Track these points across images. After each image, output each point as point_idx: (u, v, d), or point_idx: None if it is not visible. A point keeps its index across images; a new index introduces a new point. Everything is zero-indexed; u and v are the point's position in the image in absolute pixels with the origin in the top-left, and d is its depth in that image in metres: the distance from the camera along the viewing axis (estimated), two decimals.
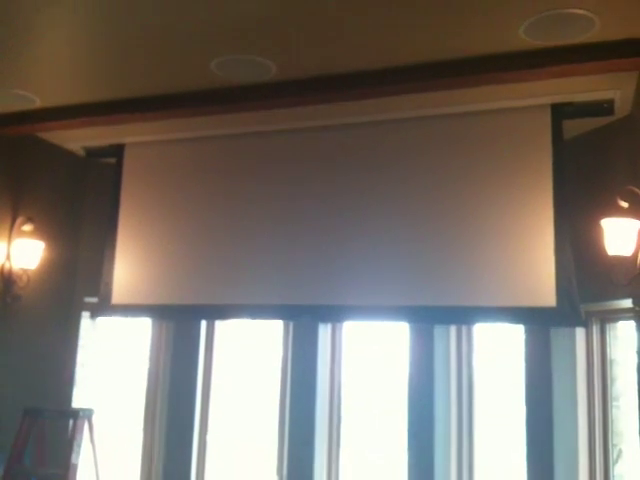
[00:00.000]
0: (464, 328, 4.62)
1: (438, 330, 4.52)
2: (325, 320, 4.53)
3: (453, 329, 4.59)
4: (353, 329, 4.92)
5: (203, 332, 5.02)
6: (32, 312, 4.61)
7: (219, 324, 5.13)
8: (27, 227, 4.47)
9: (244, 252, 4.51)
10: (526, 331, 4.21)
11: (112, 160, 4.86)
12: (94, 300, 4.97)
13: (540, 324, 3.99)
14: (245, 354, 5.20)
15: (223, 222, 4.55)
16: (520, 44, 3.26)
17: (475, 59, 3.41)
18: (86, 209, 5.03)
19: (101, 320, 5.13)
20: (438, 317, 4.20)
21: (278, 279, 4.43)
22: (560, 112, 3.88)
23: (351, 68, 3.55)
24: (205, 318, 4.87)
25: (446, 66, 3.45)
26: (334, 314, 4.42)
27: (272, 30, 3.21)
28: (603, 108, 3.79)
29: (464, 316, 4.09)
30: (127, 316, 4.94)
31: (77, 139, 4.69)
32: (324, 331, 4.83)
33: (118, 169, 4.76)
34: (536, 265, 3.86)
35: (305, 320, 4.46)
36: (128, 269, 4.75)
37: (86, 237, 4.99)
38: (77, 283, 4.95)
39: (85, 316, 5.01)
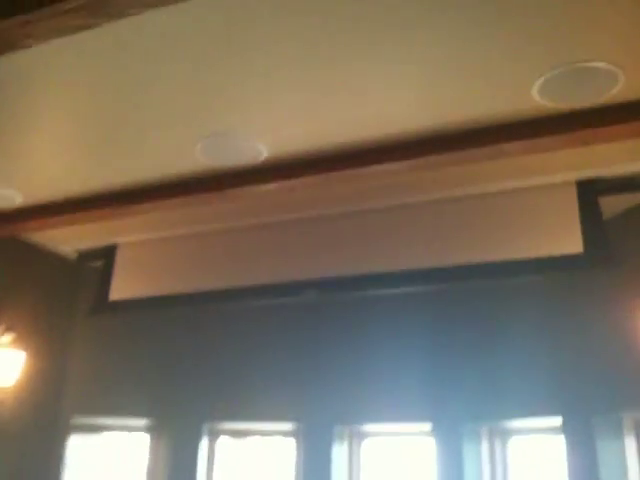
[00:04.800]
0: (497, 441, 4.09)
1: (468, 445, 4.00)
2: (334, 291, 4.01)
3: (485, 443, 4.08)
4: (373, 445, 4.41)
5: (205, 448, 4.52)
6: (10, 434, 4.14)
7: (221, 440, 4.65)
8: (6, 338, 4.09)
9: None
10: (567, 441, 3.63)
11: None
12: (84, 421, 4.53)
13: (568, 271, 3.56)
14: (251, 474, 4.66)
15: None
16: (533, 108, 2.86)
17: (480, 129, 3.01)
18: (76, 317, 4.66)
19: (92, 439, 4.67)
20: (461, 276, 3.70)
21: (279, 257, 4.08)
22: (588, 189, 3.46)
23: (349, 143, 3.19)
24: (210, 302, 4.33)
25: (448, 138, 3.06)
26: (342, 286, 3.94)
27: (262, 108, 2.91)
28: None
29: (486, 272, 3.64)
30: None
31: (65, 241, 4.41)
32: (340, 448, 4.31)
33: (107, 271, 4.41)
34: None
35: (309, 297, 3.95)
36: None
37: (76, 348, 4.59)
38: (64, 400, 4.50)
39: (74, 439, 4.54)
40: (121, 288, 4.36)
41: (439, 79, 2.71)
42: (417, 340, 4.11)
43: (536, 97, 2.79)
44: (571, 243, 3.41)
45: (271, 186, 3.38)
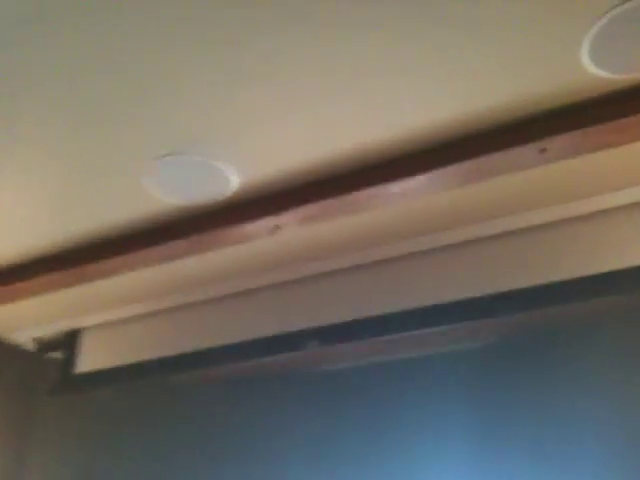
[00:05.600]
0: None
1: None
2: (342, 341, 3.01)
3: None
4: None
5: None
6: None
7: None
8: None
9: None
10: None
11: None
12: None
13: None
14: None
15: None
16: (584, 83, 2.11)
17: (508, 123, 2.25)
18: (37, 416, 3.83)
19: None
20: (516, 305, 2.71)
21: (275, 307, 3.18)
22: None
23: (345, 159, 2.41)
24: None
25: (468, 140, 2.30)
26: (352, 331, 2.96)
27: (227, 118, 2.19)
28: None
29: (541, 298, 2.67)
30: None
31: (22, 325, 3.61)
32: None
33: (70, 360, 3.60)
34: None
35: (312, 349, 3.01)
36: None
37: (35, 455, 3.74)
38: None
39: None
40: (90, 359, 3.57)
41: (454, 58, 1.98)
42: (457, 427, 3.17)
43: (587, 64, 2.03)
44: None
45: (248, 227, 2.60)
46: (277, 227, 2.60)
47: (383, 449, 3.23)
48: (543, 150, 2.27)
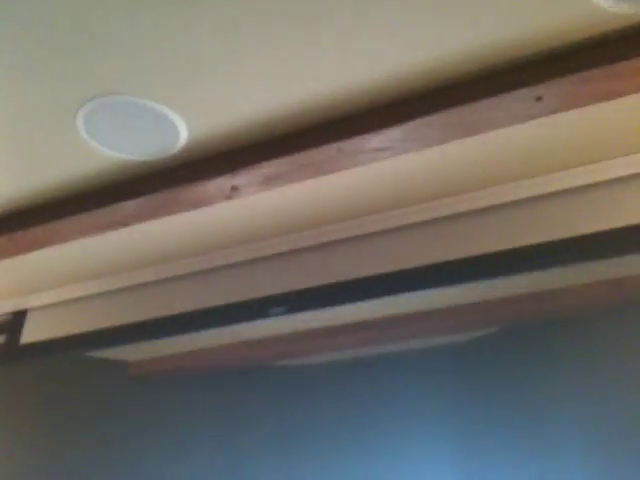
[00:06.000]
0: None
1: None
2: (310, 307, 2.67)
3: None
4: None
5: None
6: None
7: None
8: None
9: None
10: None
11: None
12: None
13: None
14: None
15: None
16: (587, 14, 1.78)
17: (500, 66, 1.92)
18: None
19: None
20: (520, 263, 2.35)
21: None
22: None
23: (315, 108, 2.08)
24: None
25: (457, 86, 1.97)
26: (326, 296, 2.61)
27: (176, 59, 1.87)
28: None
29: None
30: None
31: None
32: None
33: (14, 337, 3.27)
34: None
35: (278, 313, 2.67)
36: None
37: None
38: None
39: None
40: (36, 334, 3.25)
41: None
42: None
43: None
44: None
45: (201, 187, 2.26)
46: (234, 189, 2.28)
47: (364, 447, 2.94)
48: (539, 98, 1.95)
